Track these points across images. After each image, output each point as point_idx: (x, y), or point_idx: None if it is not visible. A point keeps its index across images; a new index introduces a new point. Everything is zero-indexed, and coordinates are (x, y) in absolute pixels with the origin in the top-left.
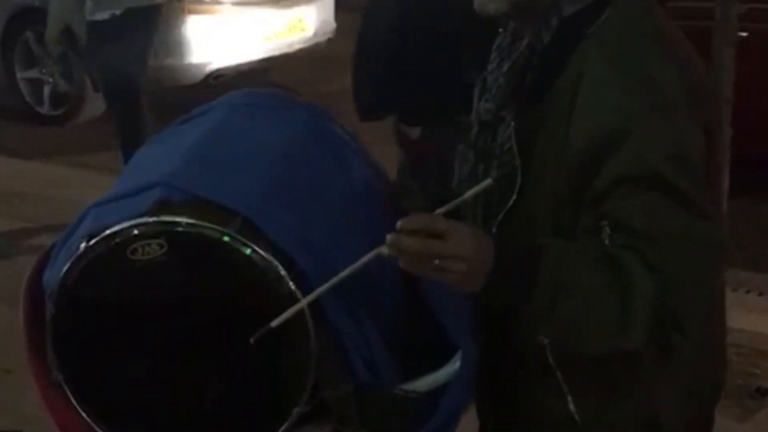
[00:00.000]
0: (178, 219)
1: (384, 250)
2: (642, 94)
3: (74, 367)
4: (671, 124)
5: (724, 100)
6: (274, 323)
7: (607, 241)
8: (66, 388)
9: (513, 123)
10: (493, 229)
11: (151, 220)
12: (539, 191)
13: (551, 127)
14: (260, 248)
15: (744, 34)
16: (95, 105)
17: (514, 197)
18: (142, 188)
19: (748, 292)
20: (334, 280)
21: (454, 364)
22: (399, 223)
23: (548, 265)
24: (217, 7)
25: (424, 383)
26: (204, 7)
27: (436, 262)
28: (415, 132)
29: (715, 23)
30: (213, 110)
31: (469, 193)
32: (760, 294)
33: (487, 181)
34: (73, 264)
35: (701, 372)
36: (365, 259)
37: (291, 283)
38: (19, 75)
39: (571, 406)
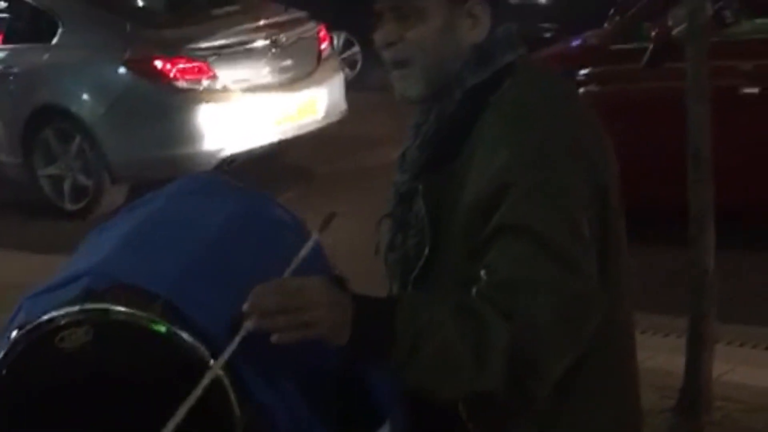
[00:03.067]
0: (99, 306)
1: (248, 325)
2: (526, 150)
3: None
4: (551, 179)
5: (702, 159)
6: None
7: (474, 291)
8: None
9: (421, 188)
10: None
11: (75, 309)
12: (447, 251)
13: (455, 190)
14: (181, 329)
15: (755, 90)
16: (114, 197)
17: (422, 261)
18: (72, 278)
19: (755, 347)
20: (224, 355)
21: None
22: (253, 291)
23: (403, 315)
24: (226, 93)
25: None
26: (214, 94)
27: (302, 317)
28: None
29: (688, 81)
30: (154, 199)
31: (302, 253)
32: (767, 348)
33: (314, 237)
34: (6, 355)
35: (601, 419)
36: (238, 338)
37: (212, 361)
38: (39, 172)
39: None
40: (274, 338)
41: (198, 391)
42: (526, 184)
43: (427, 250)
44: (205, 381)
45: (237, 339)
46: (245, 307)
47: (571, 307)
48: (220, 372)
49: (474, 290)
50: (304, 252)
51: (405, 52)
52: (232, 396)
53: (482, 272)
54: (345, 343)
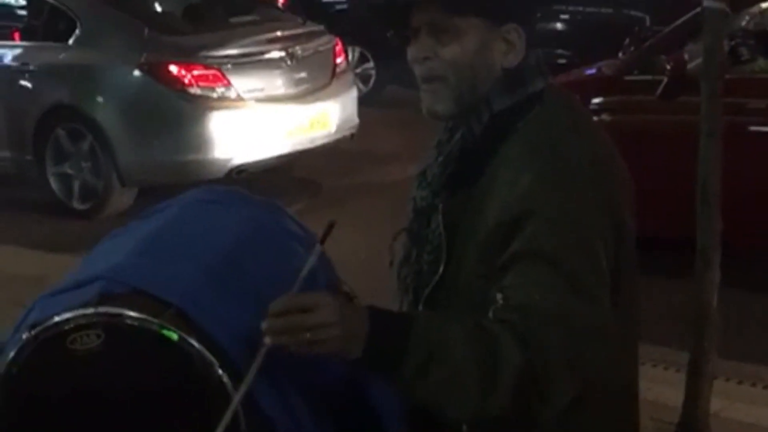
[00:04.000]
0: (112, 310)
1: (266, 341)
2: (549, 176)
3: None
4: (573, 207)
5: (711, 194)
6: None
7: (491, 314)
8: None
9: (440, 205)
10: (420, 307)
11: (88, 311)
12: (461, 270)
13: (475, 210)
14: (192, 338)
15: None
16: (122, 199)
17: (437, 277)
18: (87, 281)
19: (753, 384)
20: (244, 384)
21: None
22: (269, 309)
23: (418, 332)
24: (240, 102)
25: None
26: (227, 103)
27: (309, 336)
28: None
29: (700, 119)
30: (170, 206)
31: (305, 268)
32: (765, 387)
33: (317, 249)
34: (17, 354)
35: None
36: (260, 358)
37: (220, 371)
38: (49, 170)
39: None
40: (285, 345)
41: (226, 421)
42: (547, 212)
43: (441, 268)
44: (231, 408)
45: (258, 359)
46: (263, 326)
47: (585, 338)
48: (228, 382)
49: (490, 312)
50: (308, 266)
51: (438, 69)
52: (239, 408)
53: (498, 296)
54: (357, 356)
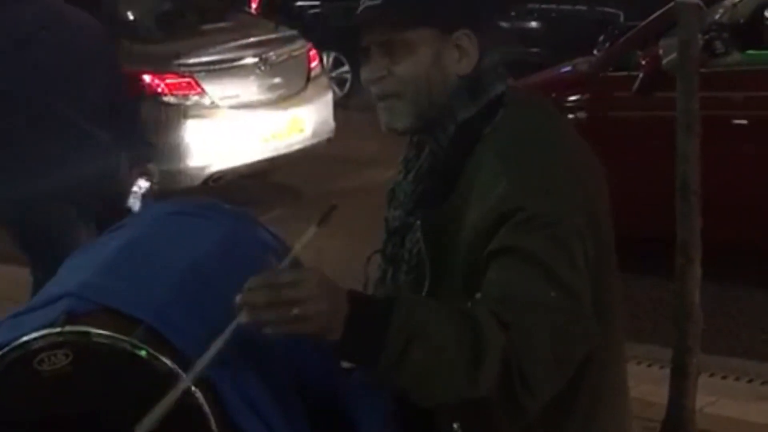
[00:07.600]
0: (80, 329)
1: (241, 318)
2: (524, 181)
3: None
4: (549, 207)
5: (690, 189)
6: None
7: (470, 303)
8: None
9: (420, 223)
10: None
11: (55, 330)
12: (444, 288)
13: (452, 225)
14: (163, 355)
15: (743, 122)
16: None
17: (423, 295)
18: (53, 299)
19: (737, 379)
20: (207, 356)
21: None
22: (246, 284)
23: (400, 314)
24: (214, 110)
25: None
26: (202, 110)
27: (295, 311)
28: None
29: (677, 114)
30: (138, 220)
31: (298, 245)
32: (750, 381)
33: (312, 229)
34: None
35: None
36: (229, 330)
37: (193, 387)
38: None
39: None
40: (266, 330)
41: (175, 394)
42: (524, 212)
43: (427, 285)
44: (180, 388)
45: (227, 331)
46: (237, 299)
47: (566, 329)
48: (202, 398)
49: (469, 303)
50: (303, 240)
51: (394, 86)
52: (212, 422)
53: (477, 295)
54: (336, 338)
